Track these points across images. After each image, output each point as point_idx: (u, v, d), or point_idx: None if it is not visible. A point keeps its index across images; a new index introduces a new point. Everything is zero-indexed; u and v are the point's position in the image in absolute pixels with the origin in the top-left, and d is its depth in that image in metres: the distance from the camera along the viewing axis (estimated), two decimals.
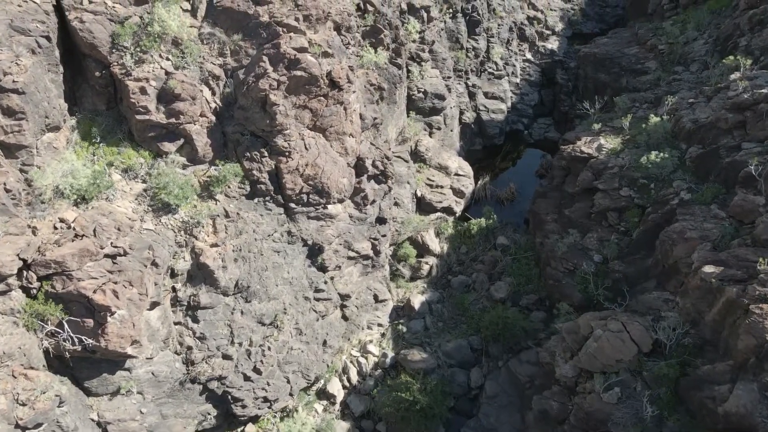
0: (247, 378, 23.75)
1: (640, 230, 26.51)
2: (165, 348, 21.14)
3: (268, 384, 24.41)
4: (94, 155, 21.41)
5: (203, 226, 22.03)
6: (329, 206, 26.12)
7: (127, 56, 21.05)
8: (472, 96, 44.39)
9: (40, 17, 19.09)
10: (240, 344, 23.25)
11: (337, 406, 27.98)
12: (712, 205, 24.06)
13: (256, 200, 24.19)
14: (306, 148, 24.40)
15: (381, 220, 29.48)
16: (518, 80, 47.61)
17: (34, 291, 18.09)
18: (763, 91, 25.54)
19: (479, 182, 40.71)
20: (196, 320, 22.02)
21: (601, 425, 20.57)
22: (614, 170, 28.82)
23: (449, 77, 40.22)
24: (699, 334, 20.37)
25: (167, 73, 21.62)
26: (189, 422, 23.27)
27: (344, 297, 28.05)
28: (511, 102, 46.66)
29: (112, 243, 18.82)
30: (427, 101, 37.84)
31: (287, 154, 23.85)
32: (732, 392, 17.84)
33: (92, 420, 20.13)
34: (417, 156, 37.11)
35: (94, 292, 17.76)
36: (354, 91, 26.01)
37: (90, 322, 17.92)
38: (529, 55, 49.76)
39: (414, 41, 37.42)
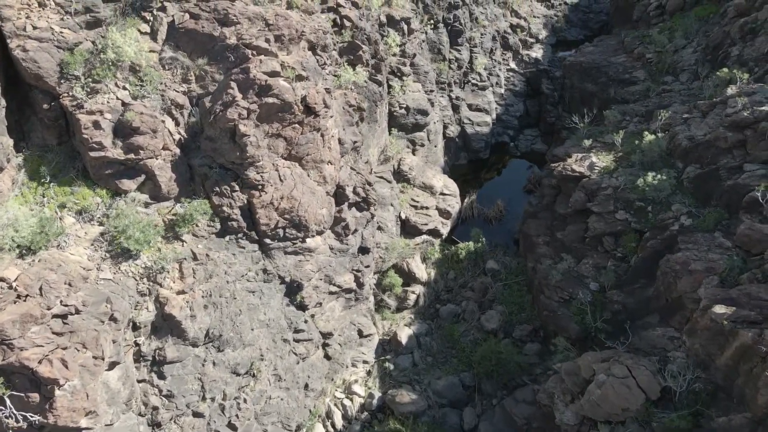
0: None
1: (639, 257, 25.08)
2: (127, 410, 18.93)
3: None
4: (43, 197, 19.38)
5: (168, 272, 19.98)
6: (308, 240, 24.24)
7: (78, 87, 19.07)
8: (455, 109, 42.76)
9: None
10: (212, 399, 21.15)
11: None
12: (715, 233, 22.68)
13: (227, 238, 22.19)
14: (281, 180, 22.51)
15: (364, 250, 27.64)
16: (503, 91, 46.12)
17: None
18: (763, 108, 24.38)
19: (466, 200, 38.99)
20: (162, 376, 19.89)
21: None
22: (608, 191, 27.40)
23: (432, 91, 38.51)
24: (710, 378, 18.87)
25: (124, 103, 19.69)
26: None
27: (326, 335, 26.13)
28: (496, 113, 45.18)
29: (61, 301, 16.62)
30: (410, 117, 36.11)
31: (260, 187, 21.94)
32: None
33: None
34: (400, 175, 35.31)
35: (39, 362, 15.45)
36: (331, 116, 24.15)
37: (35, 396, 15.64)
38: (513, 65, 48.30)
39: (394, 54, 35.61)
